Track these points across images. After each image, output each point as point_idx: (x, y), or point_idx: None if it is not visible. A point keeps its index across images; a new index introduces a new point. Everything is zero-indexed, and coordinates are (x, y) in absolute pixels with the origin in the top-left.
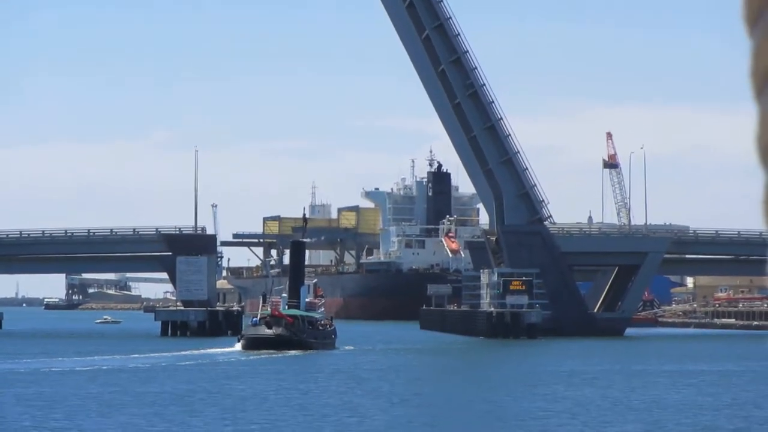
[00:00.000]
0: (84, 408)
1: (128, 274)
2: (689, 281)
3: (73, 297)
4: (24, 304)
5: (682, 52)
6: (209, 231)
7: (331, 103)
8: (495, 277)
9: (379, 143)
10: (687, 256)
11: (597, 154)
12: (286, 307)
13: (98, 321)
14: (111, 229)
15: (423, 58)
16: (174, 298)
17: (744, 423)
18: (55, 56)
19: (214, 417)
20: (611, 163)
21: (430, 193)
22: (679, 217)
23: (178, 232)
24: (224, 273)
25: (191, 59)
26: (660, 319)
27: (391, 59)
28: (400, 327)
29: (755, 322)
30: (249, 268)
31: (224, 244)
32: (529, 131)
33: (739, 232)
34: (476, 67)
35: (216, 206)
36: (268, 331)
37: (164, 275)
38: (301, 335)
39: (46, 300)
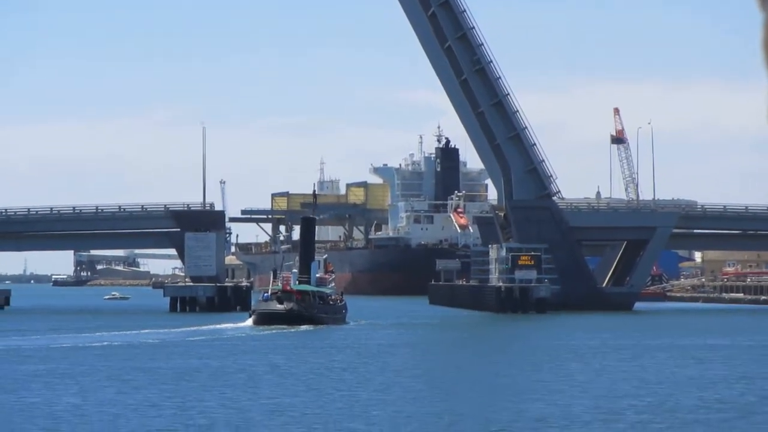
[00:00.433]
0: (97, 384)
1: (137, 251)
2: (697, 256)
3: (82, 274)
4: (32, 281)
5: (690, 28)
6: (218, 207)
7: (340, 79)
8: (504, 252)
9: (387, 119)
10: (695, 230)
11: (605, 130)
12: (297, 282)
13: (106, 297)
14: (119, 206)
15: (429, 34)
16: (183, 274)
17: (755, 397)
18: (63, 34)
19: (227, 392)
20: (619, 139)
21: (438, 169)
22: (687, 192)
23: (186, 209)
24: (233, 249)
25: (199, 35)
26: (668, 294)
27: (398, 35)
28: (409, 302)
29: (763, 297)
30: (257, 244)
31: (233, 220)
32: (536, 107)
33: (747, 206)
34: (483, 44)
35: (224, 182)
36: (280, 307)
37: (173, 251)
38: (312, 310)
39: (54, 277)
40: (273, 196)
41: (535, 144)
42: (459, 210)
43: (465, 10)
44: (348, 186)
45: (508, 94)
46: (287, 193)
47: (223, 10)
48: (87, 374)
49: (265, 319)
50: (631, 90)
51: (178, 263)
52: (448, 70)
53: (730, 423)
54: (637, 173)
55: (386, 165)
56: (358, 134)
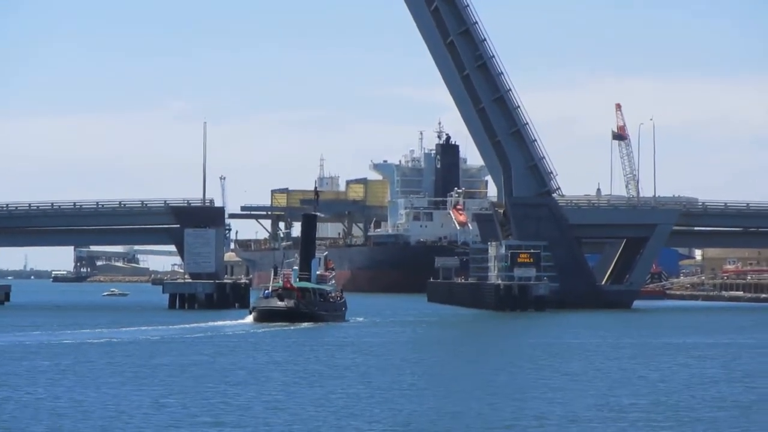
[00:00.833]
0: (100, 380)
1: (136, 247)
2: (698, 253)
3: (81, 269)
4: (32, 277)
5: (692, 24)
6: (217, 203)
7: (339, 75)
8: (503, 250)
9: (387, 115)
10: (695, 228)
11: (606, 126)
12: (298, 279)
13: (105, 294)
14: (119, 202)
15: (432, 29)
16: (182, 270)
17: (755, 395)
18: (65, 31)
19: (228, 389)
20: (620, 135)
21: (438, 166)
22: (688, 189)
23: (186, 205)
24: (232, 245)
25: (200, 32)
26: (668, 292)
27: (399, 30)
28: (408, 299)
29: (763, 295)
30: (257, 241)
31: (232, 216)
32: (538, 103)
33: (748, 204)
34: (485, 39)
35: (224, 178)
36: (280, 304)
37: (172, 248)
38: (312, 308)
39: (54, 272)
40: (272, 192)
41: (535, 140)
42: (458, 207)
43: (468, 5)
44: (347, 182)
45: (510, 89)
46: (287, 189)
47: (226, 7)
48: (89, 370)
49: (266, 316)
50: (633, 86)
51: (177, 260)
52: (450, 66)
53: (730, 421)
54: (638, 170)
55: (386, 161)
56: (358, 130)
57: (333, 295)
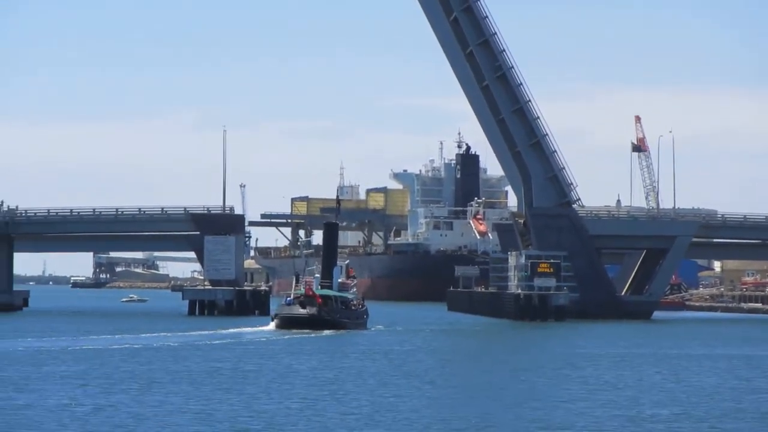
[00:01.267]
0: (121, 386)
1: (156, 253)
2: (717, 265)
3: (101, 276)
4: (51, 283)
5: (714, 36)
6: (237, 211)
7: (360, 84)
8: (523, 260)
9: (407, 124)
10: (715, 240)
11: (626, 138)
12: (319, 287)
13: (123, 300)
14: (139, 208)
15: (451, 39)
16: (202, 277)
17: None
18: (86, 35)
19: (250, 395)
20: (640, 147)
21: (458, 175)
22: (707, 201)
23: (206, 212)
24: (252, 253)
25: (221, 38)
26: (687, 303)
27: (420, 40)
28: (428, 308)
29: None
30: (277, 248)
31: (252, 224)
32: (558, 114)
33: (767, 216)
34: (504, 50)
35: (244, 186)
36: (302, 311)
37: (192, 254)
38: (334, 315)
39: (72, 278)
40: (293, 200)
41: (555, 151)
42: (478, 216)
43: (487, 16)
44: (368, 191)
45: (530, 100)
46: (307, 197)
47: (248, 14)
48: (110, 376)
49: (288, 323)
50: (653, 98)
51: (197, 266)
52: (470, 76)
53: None
54: (658, 182)
55: (406, 171)
56: (378, 139)
57: (355, 302)
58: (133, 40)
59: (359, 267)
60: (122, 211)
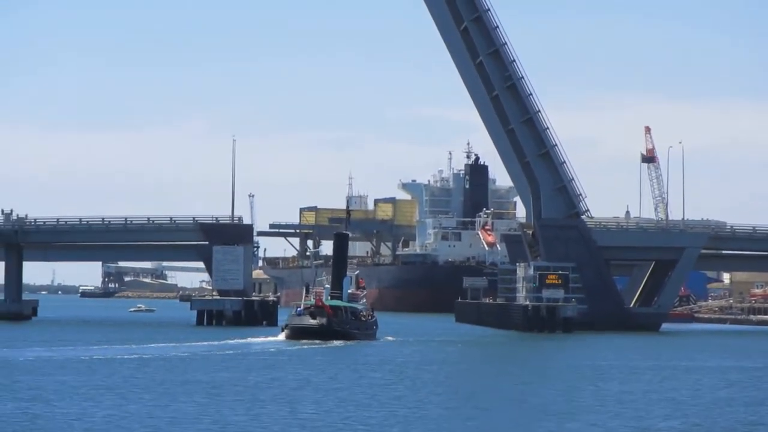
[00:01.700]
0: (131, 396)
1: (164, 263)
2: (726, 277)
3: (110, 285)
4: (60, 292)
5: (724, 48)
6: (246, 221)
7: (369, 94)
8: (531, 271)
9: (416, 134)
10: (724, 251)
11: (635, 149)
12: (329, 297)
13: (132, 309)
14: (148, 218)
15: (461, 49)
16: (210, 287)
17: None
18: (93, 43)
19: (261, 406)
20: (649, 158)
21: (467, 186)
22: (717, 213)
23: (214, 222)
24: (260, 263)
25: (231, 48)
26: (696, 315)
27: (430, 50)
28: (435, 319)
29: None
30: (285, 259)
31: (261, 234)
32: (567, 124)
33: None
34: (514, 60)
35: (253, 196)
36: (313, 321)
37: (200, 264)
38: (344, 326)
39: (81, 288)
40: (301, 210)
41: (564, 162)
42: (487, 227)
43: (497, 26)
44: (376, 202)
45: (539, 110)
46: (315, 207)
47: (257, 25)
48: (121, 386)
49: (298, 333)
50: (663, 109)
51: (205, 276)
52: (479, 86)
53: None
54: (667, 193)
55: (415, 181)
56: (387, 150)
57: (364, 313)
58: (143, 49)
59: (367, 277)
60: (131, 221)
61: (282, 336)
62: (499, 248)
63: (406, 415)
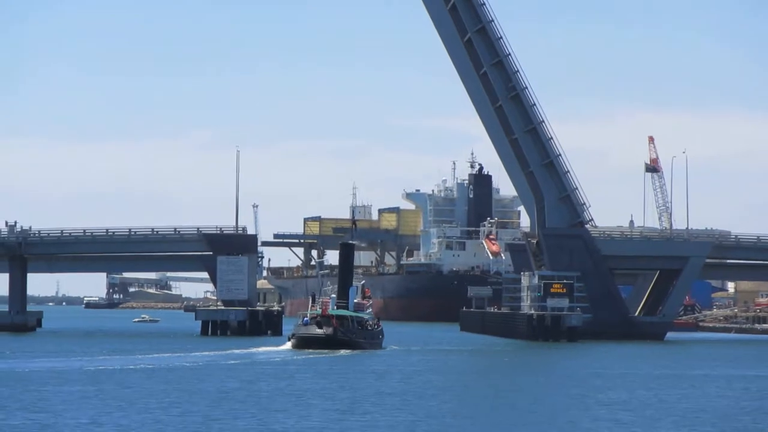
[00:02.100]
0: (141, 405)
1: (169, 274)
2: (730, 286)
3: (114, 296)
4: (64, 303)
5: (727, 58)
6: (250, 231)
7: (373, 104)
8: (536, 280)
9: (420, 145)
10: (728, 260)
11: (639, 158)
12: (335, 307)
13: (136, 320)
14: (152, 229)
15: (465, 60)
16: (214, 297)
17: None
18: (97, 54)
19: (268, 415)
20: (653, 167)
21: (471, 195)
22: (721, 222)
23: (219, 232)
24: (265, 273)
25: (233, 58)
26: (701, 324)
27: (433, 60)
28: (440, 328)
29: None
30: (289, 269)
31: (265, 244)
32: (571, 135)
33: None
34: (518, 70)
35: (257, 206)
36: (319, 331)
37: (205, 275)
38: (350, 335)
39: (85, 299)
40: (305, 220)
41: (568, 171)
42: (491, 237)
43: (501, 37)
44: (380, 211)
45: (543, 121)
46: (319, 217)
47: (261, 35)
48: (128, 396)
49: (305, 342)
50: (667, 119)
51: (210, 287)
52: (483, 97)
53: None
54: (671, 202)
55: (419, 191)
56: (391, 159)
57: (371, 322)
58: (146, 59)
59: (372, 287)
60: (135, 232)
61: (288, 345)
62: (503, 257)
63: (414, 421)
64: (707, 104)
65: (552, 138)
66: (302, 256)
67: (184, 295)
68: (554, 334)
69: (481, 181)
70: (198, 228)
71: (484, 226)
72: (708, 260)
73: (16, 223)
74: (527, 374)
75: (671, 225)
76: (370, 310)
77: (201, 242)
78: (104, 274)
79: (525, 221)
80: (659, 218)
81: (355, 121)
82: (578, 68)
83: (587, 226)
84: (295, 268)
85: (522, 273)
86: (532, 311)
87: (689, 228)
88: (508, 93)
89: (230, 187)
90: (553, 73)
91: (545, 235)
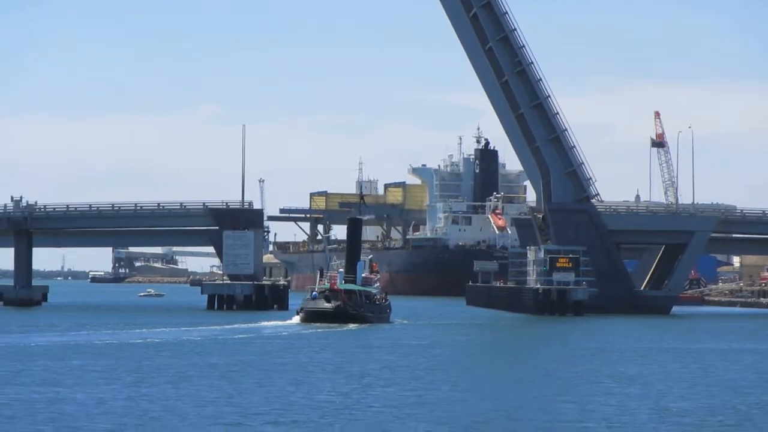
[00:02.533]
0: (150, 380)
1: (175, 248)
2: (736, 260)
3: (120, 270)
4: (70, 278)
5: (733, 33)
6: (256, 206)
7: (379, 79)
8: (542, 254)
9: (426, 119)
10: (734, 235)
11: (645, 133)
12: (343, 281)
13: (141, 294)
14: (158, 203)
15: (471, 35)
16: (220, 272)
17: None
18: (102, 30)
19: (276, 388)
20: (659, 142)
21: (477, 170)
22: (726, 197)
23: (225, 207)
24: (271, 247)
25: (240, 33)
26: (706, 298)
27: (439, 35)
28: (447, 303)
29: None
30: (295, 243)
31: (271, 218)
32: (577, 109)
33: None
34: (524, 45)
35: (263, 181)
36: (327, 305)
37: (211, 249)
38: (358, 309)
39: (91, 273)
40: (311, 195)
41: (574, 146)
42: (497, 211)
43: (507, 12)
44: (386, 186)
45: (549, 96)
46: (325, 192)
47: (267, 9)
48: (136, 370)
49: (313, 316)
50: (673, 94)
51: (216, 261)
52: (489, 72)
53: None
54: (677, 177)
55: (425, 166)
56: (397, 134)
57: (378, 297)
58: (153, 34)
59: (378, 262)
60: (141, 206)
61: (297, 319)
62: (509, 232)
63: (426, 396)
64: (714, 79)
65: (558, 113)
66: (308, 231)
67: (190, 270)
68: (560, 308)
69: (487, 155)
70: (204, 203)
71: (490, 200)
72: (713, 235)
73: (21, 198)
74: (535, 348)
75: (677, 200)
76: (378, 284)
77: (207, 217)
78: (110, 249)
79: (531, 196)
80: (665, 193)
81: (360, 96)
82: (584, 43)
83: (593, 200)
84: (301, 242)
85: (528, 247)
86: (538, 285)
87: (695, 203)
88: (513, 68)
89: (237, 162)
90: (559, 49)
91: (551, 209)
